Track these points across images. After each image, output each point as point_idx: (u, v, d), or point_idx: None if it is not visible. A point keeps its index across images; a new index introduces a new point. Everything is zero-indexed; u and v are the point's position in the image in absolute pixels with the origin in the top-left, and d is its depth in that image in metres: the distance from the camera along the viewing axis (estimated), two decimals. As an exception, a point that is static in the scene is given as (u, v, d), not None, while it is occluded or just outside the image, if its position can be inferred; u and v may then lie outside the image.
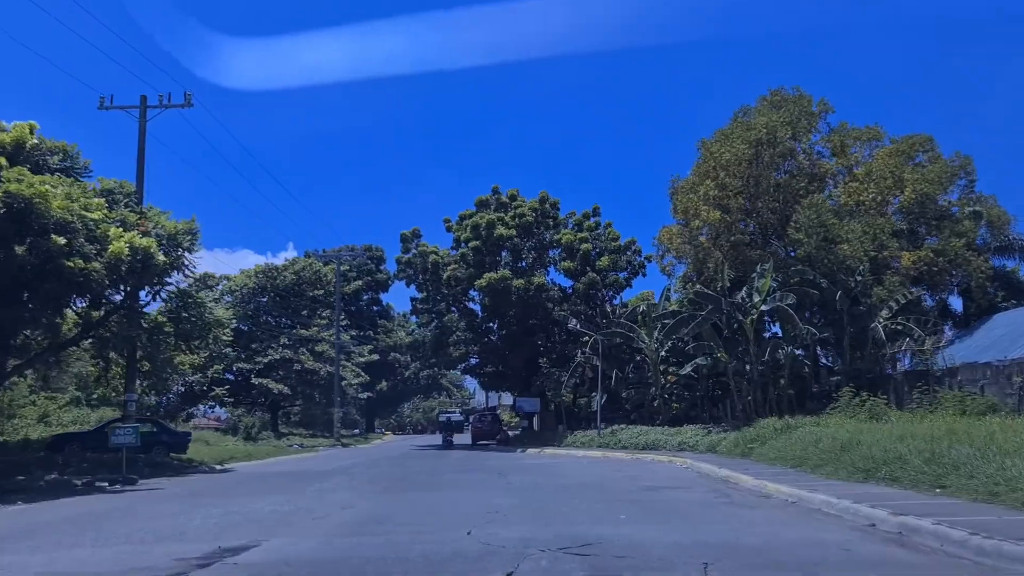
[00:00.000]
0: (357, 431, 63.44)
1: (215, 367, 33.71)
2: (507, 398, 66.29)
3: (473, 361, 41.17)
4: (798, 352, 28.26)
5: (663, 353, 31.82)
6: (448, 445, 37.95)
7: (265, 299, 46.38)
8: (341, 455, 32.32)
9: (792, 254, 29.81)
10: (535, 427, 40.93)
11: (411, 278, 38.34)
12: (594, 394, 33.35)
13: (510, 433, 41.72)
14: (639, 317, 33.85)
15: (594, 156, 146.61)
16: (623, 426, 30.54)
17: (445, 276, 35.86)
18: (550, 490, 14.43)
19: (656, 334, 32.09)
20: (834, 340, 27.48)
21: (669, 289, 33.89)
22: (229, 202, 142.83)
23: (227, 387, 40.57)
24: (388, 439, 56.96)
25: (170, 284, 22.02)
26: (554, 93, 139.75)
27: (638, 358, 34.54)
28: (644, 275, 37.69)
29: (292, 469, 23.05)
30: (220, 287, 45.42)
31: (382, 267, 60.75)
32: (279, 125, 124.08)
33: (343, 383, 44.74)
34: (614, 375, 33.58)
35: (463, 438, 43.64)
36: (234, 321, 25.43)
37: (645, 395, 32.64)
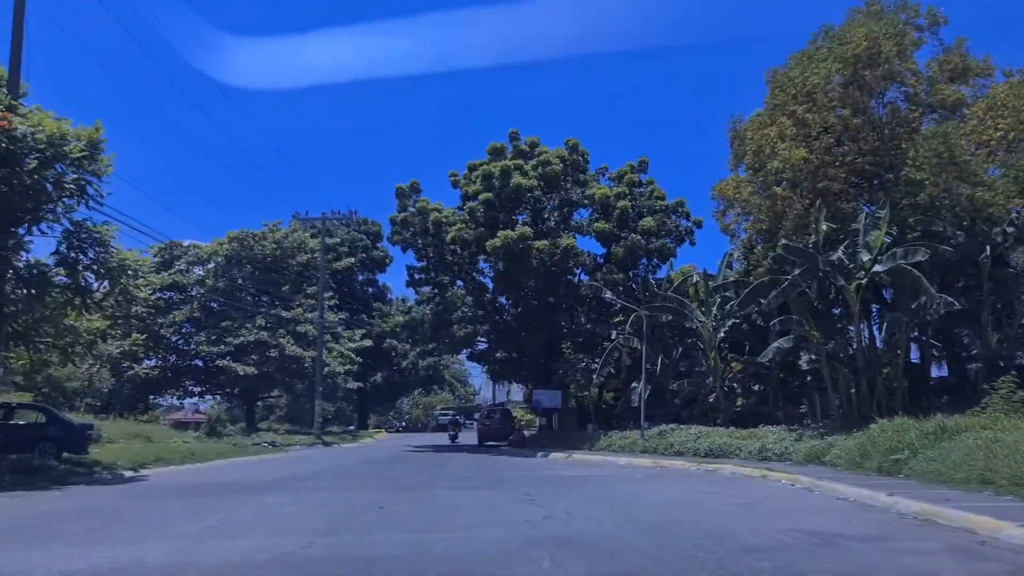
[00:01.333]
0: (353, 428, 56.84)
1: (135, 337, 26.72)
2: (517, 393, 59.38)
3: (481, 345, 34.32)
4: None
5: (722, 335, 25.18)
6: (452, 440, 35.54)
7: (241, 272, 39.80)
8: (315, 457, 25.65)
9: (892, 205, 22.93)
10: (554, 426, 34.17)
11: (407, 241, 31.23)
12: (634, 385, 26.54)
13: (526, 433, 34.94)
14: (690, 290, 27.19)
15: (625, 122, 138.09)
16: (672, 426, 23.98)
17: (449, 237, 28.77)
18: (630, 537, 7.74)
19: (714, 311, 25.47)
20: (969, 313, 20.56)
21: (731, 255, 27.12)
22: (234, 195, 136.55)
23: (155, 368, 34.26)
24: (381, 437, 50.13)
25: (56, 213, 15.55)
26: (578, 69, 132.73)
27: (688, 341, 27.76)
28: (693, 243, 30.66)
29: (230, 478, 16.51)
30: (188, 256, 39.15)
31: (379, 244, 54.05)
32: (283, 123, 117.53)
33: (326, 369, 37.84)
34: (659, 362, 26.78)
35: (463, 438, 37.57)
36: (151, 269, 18.68)
37: (700, 388, 25.83)
